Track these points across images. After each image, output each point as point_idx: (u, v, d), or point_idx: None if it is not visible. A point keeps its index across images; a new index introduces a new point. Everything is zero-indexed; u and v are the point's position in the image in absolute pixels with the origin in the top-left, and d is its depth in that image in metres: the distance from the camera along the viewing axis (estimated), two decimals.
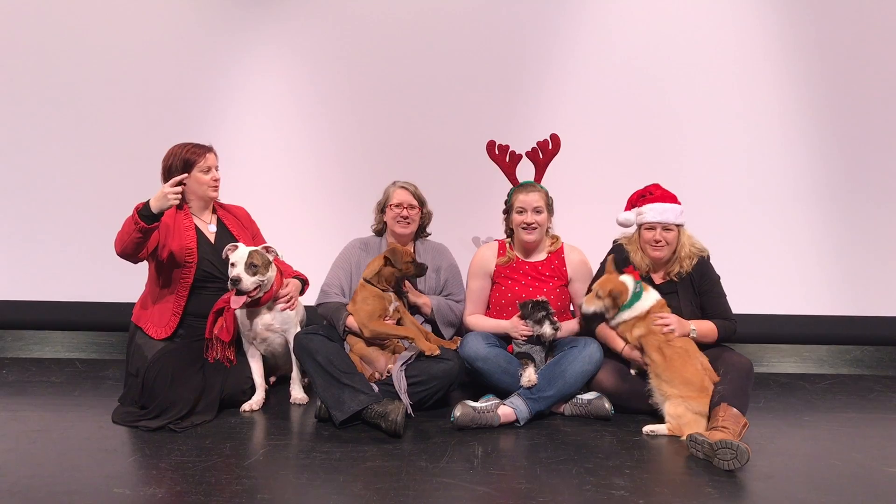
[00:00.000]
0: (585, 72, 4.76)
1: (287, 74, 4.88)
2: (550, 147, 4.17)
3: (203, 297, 3.62)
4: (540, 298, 3.67)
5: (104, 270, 4.73)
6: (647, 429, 3.33)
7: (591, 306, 3.55)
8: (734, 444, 2.83)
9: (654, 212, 3.59)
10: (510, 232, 3.95)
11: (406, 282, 3.79)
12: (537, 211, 3.79)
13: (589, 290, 3.71)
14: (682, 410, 3.25)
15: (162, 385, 3.38)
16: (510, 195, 3.93)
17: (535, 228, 3.79)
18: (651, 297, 3.52)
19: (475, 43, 4.77)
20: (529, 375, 3.45)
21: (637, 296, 3.50)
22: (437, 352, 3.50)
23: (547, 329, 3.57)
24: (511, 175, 4.21)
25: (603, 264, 3.77)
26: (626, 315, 3.50)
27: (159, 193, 3.33)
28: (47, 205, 4.90)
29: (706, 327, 3.53)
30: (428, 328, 3.83)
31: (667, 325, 3.41)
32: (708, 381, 3.29)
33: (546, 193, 3.88)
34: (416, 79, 4.81)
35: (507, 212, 3.95)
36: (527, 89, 4.78)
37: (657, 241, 3.60)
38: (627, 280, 3.53)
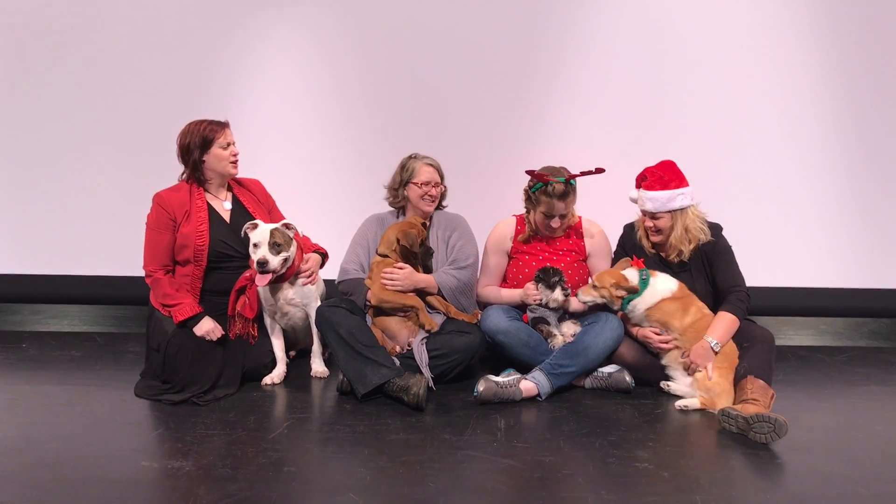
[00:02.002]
0: (604, 37, 4.71)
1: (300, 50, 4.83)
2: (593, 171, 3.71)
3: (221, 275, 3.62)
4: (555, 268, 3.67)
5: (121, 244, 4.74)
6: (679, 404, 3.31)
7: (586, 296, 3.54)
8: (771, 418, 2.84)
9: (644, 199, 3.56)
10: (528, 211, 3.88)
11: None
12: (564, 216, 3.71)
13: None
14: (703, 385, 3.27)
15: (183, 360, 3.39)
16: (537, 189, 3.66)
17: (559, 227, 3.75)
18: (663, 282, 3.49)
19: (492, 18, 4.71)
20: (558, 342, 3.51)
21: (645, 283, 3.48)
22: (436, 327, 3.54)
23: (558, 295, 3.57)
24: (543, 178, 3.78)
25: (619, 244, 3.81)
26: (642, 305, 3.47)
27: (206, 329, 3.46)
28: (64, 179, 4.90)
29: (724, 326, 3.36)
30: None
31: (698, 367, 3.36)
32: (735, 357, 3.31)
33: (576, 191, 3.70)
34: (429, 55, 4.76)
35: (531, 202, 3.74)
36: (545, 59, 4.73)
37: (649, 228, 3.60)
38: (629, 273, 3.50)
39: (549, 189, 3.61)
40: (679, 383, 3.40)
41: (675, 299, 3.45)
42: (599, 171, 3.63)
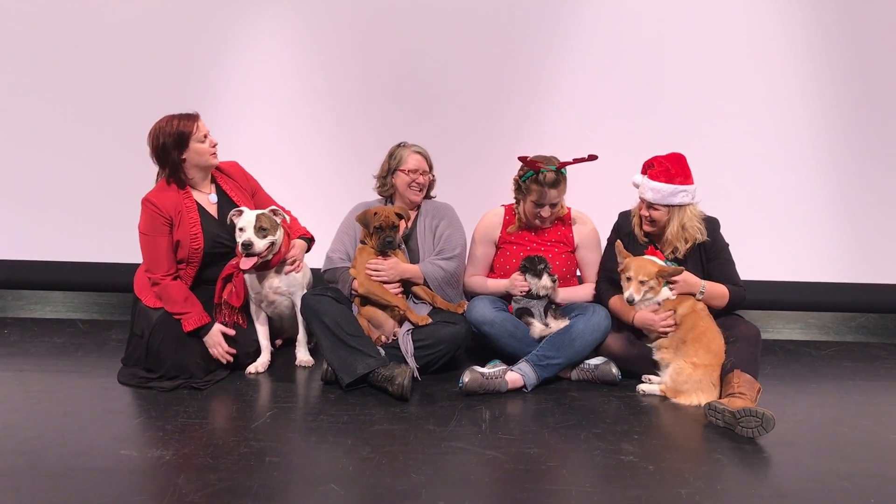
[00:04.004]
0: (598, 26, 4.66)
1: (289, 31, 4.77)
2: (586, 158, 3.68)
3: (214, 269, 3.58)
4: (540, 256, 3.66)
5: (105, 231, 4.70)
6: (641, 388, 3.40)
7: (638, 295, 3.37)
8: (758, 412, 2.83)
9: (646, 188, 3.51)
10: (518, 201, 3.83)
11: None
12: (554, 205, 3.68)
13: (602, 265, 3.75)
14: (683, 378, 3.25)
15: (168, 348, 3.37)
16: (527, 177, 3.63)
17: (549, 217, 3.72)
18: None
19: (481, 5, 4.66)
20: (537, 329, 3.49)
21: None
22: (428, 321, 3.50)
23: (546, 281, 3.56)
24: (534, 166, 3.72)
25: (614, 230, 3.76)
26: (669, 293, 3.43)
27: (213, 341, 3.44)
28: (48, 165, 4.83)
29: (717, 289, 3.46)
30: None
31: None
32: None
33: (566, 179, 3.68)
34: (424, 37, 4.70)
35: (522, 192, 3.71)
36: (536, 47, 4.68)
37: (644, 217, 3.57)
38: (660, 263, 3.45)
39: (540, 177, 3.57)
40: (664, 377, 3.38)
41: (682, 297, 3.44)
42: (592, 157, 3.59)
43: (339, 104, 4.79)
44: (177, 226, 3.46)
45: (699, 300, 3.42)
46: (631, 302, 3.39)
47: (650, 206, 3.51)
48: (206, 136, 3.50)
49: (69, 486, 2.38)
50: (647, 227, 3.58)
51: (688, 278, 3.42)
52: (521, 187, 3.70)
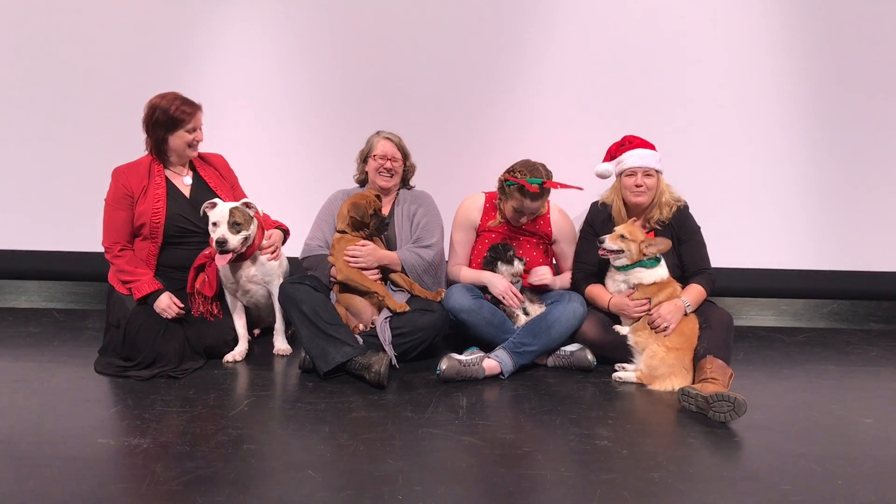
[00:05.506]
0: (577, 17, 4.66)
1: (266, 17, 4.73)
2: (570, 186, 3.73)
3: (181, 251, 3.58)
4: (503, 244, 3.72)
5: (81, 219, 4.65)
6: (616, 376, 3.43)
7: (613, 244, 3.45)
8: (730, 397, 2.88)
9: (634, 157, 3.59)
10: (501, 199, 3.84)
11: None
12: (533, 213, 3.70)
13: (577, 258, 3.80)
14: (657, 362, 3.30)
15: (145, 336, 3.35)
16: (510, 185, 3.63)
17: (529, 222, 3.77)
18: (664, 267, 3.52)
19: None
20: (521, 322, 3.55)
21: (657, 259, 3.49)
22: (407, 308, 3.52)
23: (518, 266, 3.63)
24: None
25: (586, 222, 3.81)
26: (648, 276, 3.46)
27: (163, 304, 3.42)
28: (22, 154, 4.77)
29: (696, 294, 3.48)
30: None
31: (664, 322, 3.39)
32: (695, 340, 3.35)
33: (549, 192, 3.71)
34: (401, 23, 4.68)
35: (505, 193, 3.70)
36: (516, 37, 4.68)
37: (638, 186, 3.59)
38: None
39: (525, 189, 3.59)
40: (638, 364, 3.42)
41: (662, 284, 3.47)
42: (577, 188, 3.68)
43: (316, 95, 4.76)
44: (140, 199, 3.50)
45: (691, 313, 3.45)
46: (601, 243, 3.48)
47: (646, 172, 3.58)
48: (195, 129, 3.56)
49: (46, 475, 2.37)
50: (639, 199, 3.61)
51: (671, 308, 3.40)
52: (504, 190, 3.72)
